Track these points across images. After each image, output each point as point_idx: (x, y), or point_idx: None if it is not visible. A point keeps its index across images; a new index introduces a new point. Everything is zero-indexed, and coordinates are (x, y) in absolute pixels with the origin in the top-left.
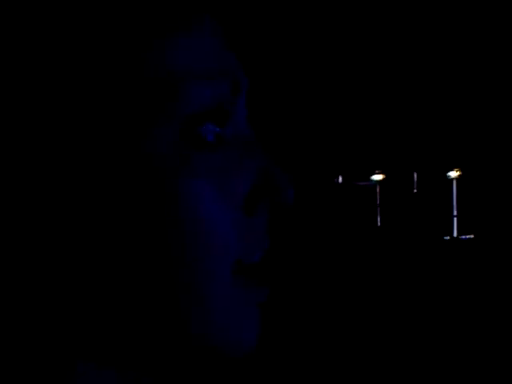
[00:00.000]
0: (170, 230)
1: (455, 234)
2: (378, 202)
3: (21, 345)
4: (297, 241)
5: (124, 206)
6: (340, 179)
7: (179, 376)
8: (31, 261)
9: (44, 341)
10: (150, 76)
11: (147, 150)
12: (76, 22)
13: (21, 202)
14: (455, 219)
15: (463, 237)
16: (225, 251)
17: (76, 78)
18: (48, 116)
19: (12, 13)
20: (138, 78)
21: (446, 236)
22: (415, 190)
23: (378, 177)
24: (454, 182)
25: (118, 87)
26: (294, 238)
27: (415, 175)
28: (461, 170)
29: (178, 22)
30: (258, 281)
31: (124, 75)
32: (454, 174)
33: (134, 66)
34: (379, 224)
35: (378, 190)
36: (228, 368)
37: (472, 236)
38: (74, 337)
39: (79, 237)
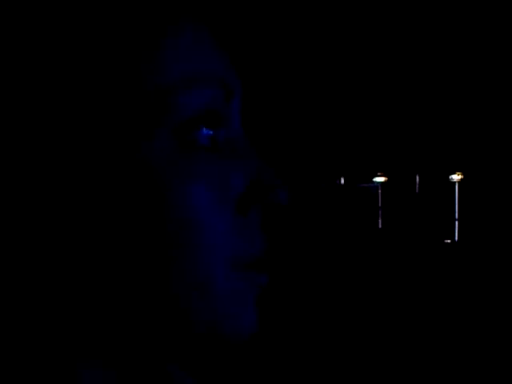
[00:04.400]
0: (169, 229)
1: (456, 238)
2: (380, 204)
3: (22, 345)
4: (299, 242)
5: (126, 209)
6: (342, 181)
7: (182, 366)
8: (30, 262)
9: (44, 340)
10: (143, 86)
11: (145, 157)
12: (71, 36)
13: (22, 203)
14: (457, 222)
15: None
16: (220, 248)
17: (77, 90)
18: (52, 123)
19: (15, 20)
20: (132, 89)
21: (448, 239)
22: (417, 192)
23: (380, 179)
24: (457, 185)
25: (114, 99)
26: (296, 238)
27: (417, 178)
28: (463, 173)
29: (161, 34)
30: (255, 273)
31: (119, 87)
32: (456, 177)
33: (128, 78)
34: (380, 226)
35: (380, 192)
36: (228, 354)
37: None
38: (74, 336)
39: (81, 238)
